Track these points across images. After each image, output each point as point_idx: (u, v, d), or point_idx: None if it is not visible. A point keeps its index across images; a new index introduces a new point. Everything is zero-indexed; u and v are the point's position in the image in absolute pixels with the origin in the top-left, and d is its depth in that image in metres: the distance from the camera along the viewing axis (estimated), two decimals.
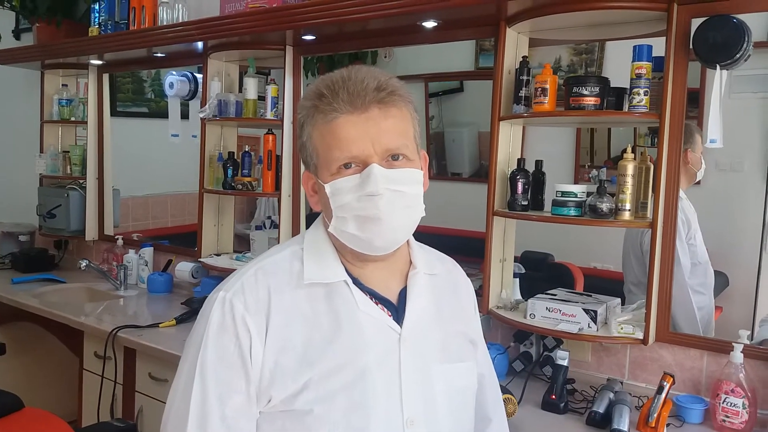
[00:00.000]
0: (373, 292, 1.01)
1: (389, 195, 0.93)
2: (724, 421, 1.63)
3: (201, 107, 2.74)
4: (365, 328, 0.97)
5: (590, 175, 2.54)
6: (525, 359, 1.99)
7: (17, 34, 3.88)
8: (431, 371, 1.01)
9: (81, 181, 3.41)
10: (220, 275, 2.82)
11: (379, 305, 1.00)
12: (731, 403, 1.61)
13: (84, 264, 3.01)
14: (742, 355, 1.62)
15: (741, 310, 2.04)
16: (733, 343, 1.64)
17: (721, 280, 2.07)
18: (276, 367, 0.93)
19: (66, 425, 1.32)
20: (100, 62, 3.24)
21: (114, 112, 3.47)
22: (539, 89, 1.86)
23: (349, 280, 1.00)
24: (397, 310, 1.01)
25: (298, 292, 0.98)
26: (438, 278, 1.09)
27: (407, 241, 1.05)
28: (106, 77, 3.37)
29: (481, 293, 2.06)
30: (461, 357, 1.06)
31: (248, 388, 0.94)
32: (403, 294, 1.03)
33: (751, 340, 1.79)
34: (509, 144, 2.06)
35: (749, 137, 2.04)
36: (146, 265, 3.08)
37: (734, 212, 2.12)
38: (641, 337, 1.78)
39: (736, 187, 2.11)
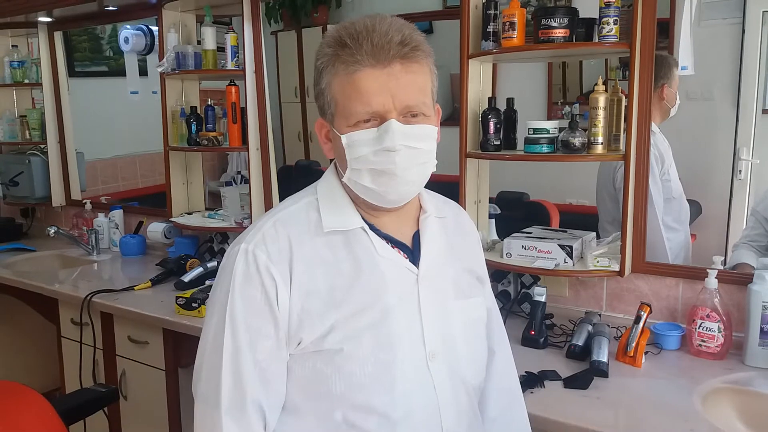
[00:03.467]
0: (390, 237, 1.05)
1: (405, 151, 0.95)
2: (700, 345, 1.66)
3: (159, 61, 2.63)
4: (385, 271, 1.02)
5: (563, 112, 2.52)
6: (503, 298, 2.00)
7: None
8: (448, 307, 1.07)
9: (42, 146, 3.30)
10: (194, 234, 2.78)
11: (396, 249, 1.05)
12: (707, 328, 1.64)
13: (53, 231, 2.94)
14: (716, 280, 1.64)
15: (714, 237, 2.07)
16: (707, 269, 1.66)
17: (695, 209, 2.08)
18: (303, 312, 0.97)
19: (40, 396, 1.29)
20: (49, 19, 3.09)
21: (72, 73, 3.34)
22: (507, 23, 1.81)
23: (366, 227, 1.03)
24: (412, 252, 1.06)
25: (317, 240, 1.01)
26: (446, 221, 1.14)
27: None
28: (58, 36, 3.21)
29: None
30: (472, 293, 1.13)
31: (277, 333, 0.98)
32: (416, 237, 1.08)
33: (725, 265, 1.81)
34: (480, 83, 2.02)
35: (719, 65, 2.03)
36: (117, 228, 3.02)
37: (706, 140, 2.11)
38: (617, 269, 1.79)
39: (707, 116, 2.11)
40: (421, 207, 1.10)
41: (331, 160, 1.08)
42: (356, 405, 0.97)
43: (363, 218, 1.04)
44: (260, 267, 0.97)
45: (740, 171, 2.01)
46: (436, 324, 1.04)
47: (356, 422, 0.98)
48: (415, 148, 0.96)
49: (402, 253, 1.05)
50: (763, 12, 1.97)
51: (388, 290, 1.01)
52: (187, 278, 2.35)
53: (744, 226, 1.99)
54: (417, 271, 1.04)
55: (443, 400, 1.03)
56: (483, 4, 1.90)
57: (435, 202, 1.14)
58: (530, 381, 1.52)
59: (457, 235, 1.16)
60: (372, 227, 1.04)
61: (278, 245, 0.99)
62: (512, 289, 2.03)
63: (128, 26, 2.89)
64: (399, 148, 0.94)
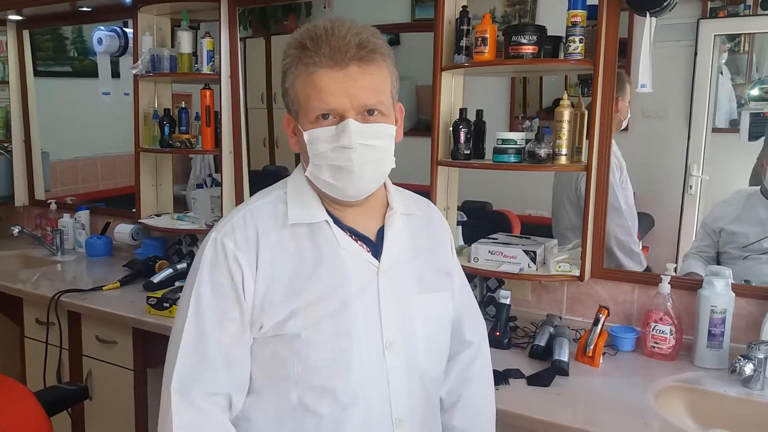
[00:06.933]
0: (353, 230, 1.10)
1: (361, 149, 1.01)
2: (653, 347, 1.76)
3: (133, 63, 2.64)
4: (346, 262, 1.07)
5: (524, 126, 2.62)
6: None
7: None
8: (408, 301, 1.11)
9: (6, 144, 3.25)
10: (162, 236, 2.78)
11: (359, 242, 1.10)
12: (660, 331, 1.74)
13: (17, 230, 2.89)
14: (669, 285, 1.75)
15: (665, 249, 2.18)
16: (661, 275, 1.77)
17: (647, 222, 2.19)
18: (265, 299, 1.03)
19: (22, 386, 1.30)
20: (19, 17, 3.06)
21: (35, 72, 3.29)
22: (479, 39, 1.89)
23: (330, 220, 1.08)
24: (375, 246, 1.11)
25: (283, 231, 1.07)
26: (413, 218, 1.19)
27: (384, 184, 1.14)
28: (26, 34, 3.18)
29: None
30: (437, 287, 1.17)
31: (242, 317, 1.03)
32: (381, 232, 1.12)
33: (676, 273, 1.92)
34: (451, 95, 2.10)
35: (673, 85, 2.14)
36: (83, 229, 2.99)
37: (659, 157, 2.22)
38: (578, 274, 1.89)
39: (661, 133, 2.21)
40: (388, 203, 1.15)
41: (297, 157, 1.14)
42: (312, 386, 1.03)
43: (328, 212, 1.09)
44: (228, 254, 1.03)
45: (691, 186, 2.13)
46: (395, 316, 1.08)
47: (310, 404, 1.03)
48: (371, 145, 1.02)
49: (365, 246, 1.09)
50: (715, 36, 2.10)
51: (348, 281, 1.06)
52: (156, 279, 2.36)
53: (694, 238, 2.11)
54: (378, 264, 1.08)
55: (395, 389, 1.07)
56: (456, 19, 1.99)
57: (402, 199, 1.18)
58: (495, 379, 1.58)
59: (426, 232, 1.20)
60: (337, 221, 1.09)
61: (245, 234, 1.05)
62: (478, 293, 2.10)
63: (101, 27, 2.88)
64: (355, 146, 1.00)
